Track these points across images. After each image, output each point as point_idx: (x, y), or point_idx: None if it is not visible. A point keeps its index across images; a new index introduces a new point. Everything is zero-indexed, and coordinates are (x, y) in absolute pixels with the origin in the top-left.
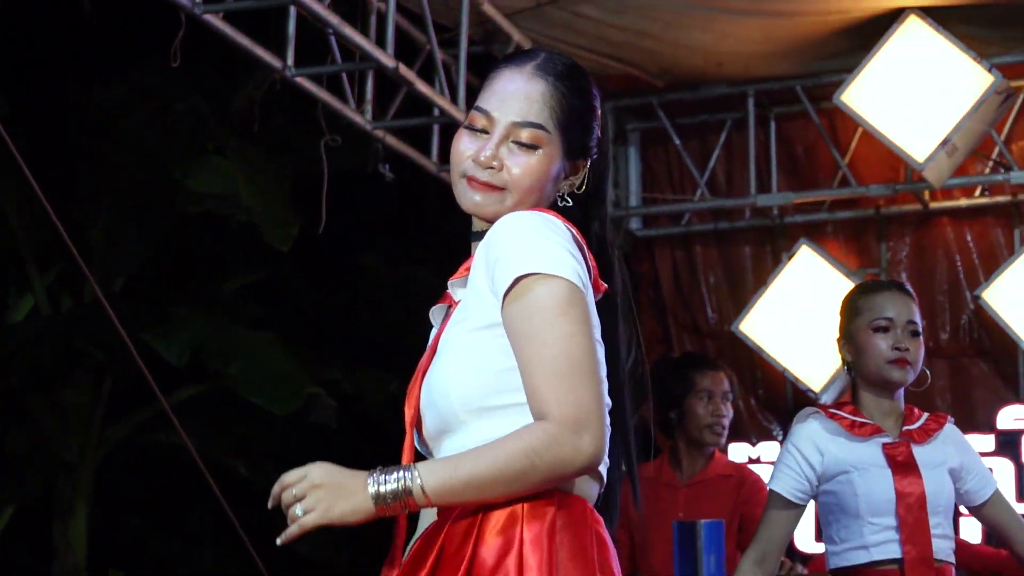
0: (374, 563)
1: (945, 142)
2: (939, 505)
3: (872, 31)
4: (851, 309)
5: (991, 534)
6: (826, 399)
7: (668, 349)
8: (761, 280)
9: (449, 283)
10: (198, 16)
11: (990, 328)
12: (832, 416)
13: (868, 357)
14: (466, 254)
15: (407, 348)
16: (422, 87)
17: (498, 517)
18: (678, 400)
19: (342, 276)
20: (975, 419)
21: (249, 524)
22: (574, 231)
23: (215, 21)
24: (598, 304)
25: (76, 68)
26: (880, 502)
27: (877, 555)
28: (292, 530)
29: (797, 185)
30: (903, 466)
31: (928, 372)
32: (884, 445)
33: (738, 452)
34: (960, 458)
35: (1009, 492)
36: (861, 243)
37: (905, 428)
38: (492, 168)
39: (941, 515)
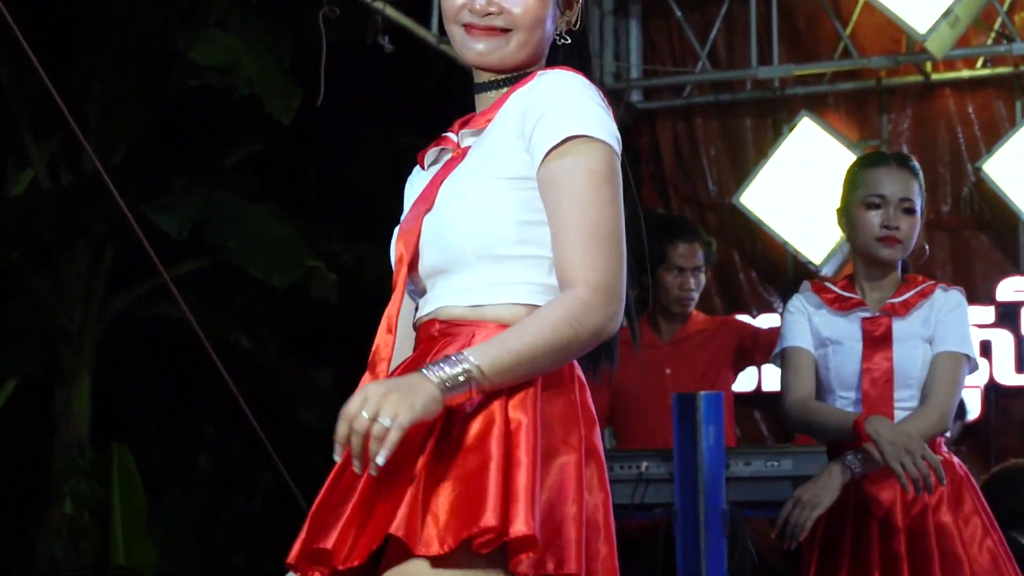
0: None
1: (947, 13)
2: (911, 378)
3: None
4: (850, 182)
5: None
6: (827, 271)
7: None
8: (762, 152)
9: (455, 132)
10: None
11: (991, 200)
12: (818, 290)
13: (858, 233)
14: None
15: None
16: None
17: None
18: (651, 269)
19: (341, 148)
20: (975, 291)
21: (251, 396)
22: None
23: None
24: None
25: None
26: (847, 376)
27: None
28: (392, 436)
29: (798, 57)
30: (878, 340)
31: (926, 246)
32: (863, 319)
33: None
34: (936, 320)
35: (1008, 363)
36: (862, 115)
37: (888, 301)
38: (491, 13)
39: (914, 387)
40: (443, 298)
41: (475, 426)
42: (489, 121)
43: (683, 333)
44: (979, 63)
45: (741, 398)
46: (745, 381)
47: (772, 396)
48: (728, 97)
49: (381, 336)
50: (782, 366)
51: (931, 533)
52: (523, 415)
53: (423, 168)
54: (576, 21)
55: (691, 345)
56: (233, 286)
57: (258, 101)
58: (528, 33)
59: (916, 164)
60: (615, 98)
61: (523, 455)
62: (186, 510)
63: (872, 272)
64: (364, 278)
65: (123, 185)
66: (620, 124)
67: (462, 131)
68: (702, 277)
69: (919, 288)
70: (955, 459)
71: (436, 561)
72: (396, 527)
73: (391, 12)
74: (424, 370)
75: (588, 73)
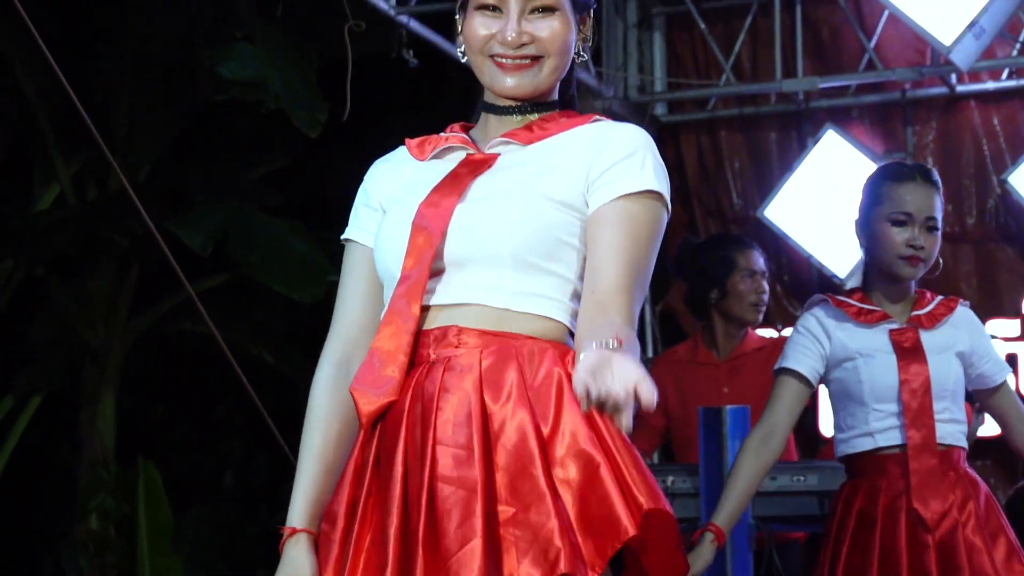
0: None
1: (972, 24)
2: (945, 390)
3: None
4: (872, 194)
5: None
6: (852, 284)
7: (693, 235)
8: (786, 165)
9: (493, 141)
10: None
11: (1016, 213)
12: (839, 304)
13: (881, 249)
14: None
15: None
16: None
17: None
18: (719, 279)
19: (366, 163)
20: (1000, 304)
21: (275, 411)
22: None
23: None
24: None
25: None
26: (884, 388)
27: (882, 441)
28: (646, 394)
29: (823, 69)
30: (909, 352)
31: (941, 261)
32: (891, 331)
33: None
34: (971, 341)
35: None
36: (887, 127)
37: (914, 313)
38: (523, 44)
39: (948, 399)
40: (467, 292)
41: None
42: (533, 140)
43: (740, 351)
44: (1004, 75)
45: None
46: None
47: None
48: (752, 110)
49: (399, 336)
50: (774, 383)
51: (962, 550)
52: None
53: (418, 158)
54: (590, 37)
55: (749, 362)
56: (256, 301)
57: (284, 115)
58: (559, 58)
59: (938, 177)
60: (639, 111)
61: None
62: (211, 525)
63: (889, 287)
64: None
65: (148, 200)
66: None
67: (493, 139)
68: (767, 285)
69: (939, 300)
70: (979, 478)
71: None
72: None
73: (416, 26)
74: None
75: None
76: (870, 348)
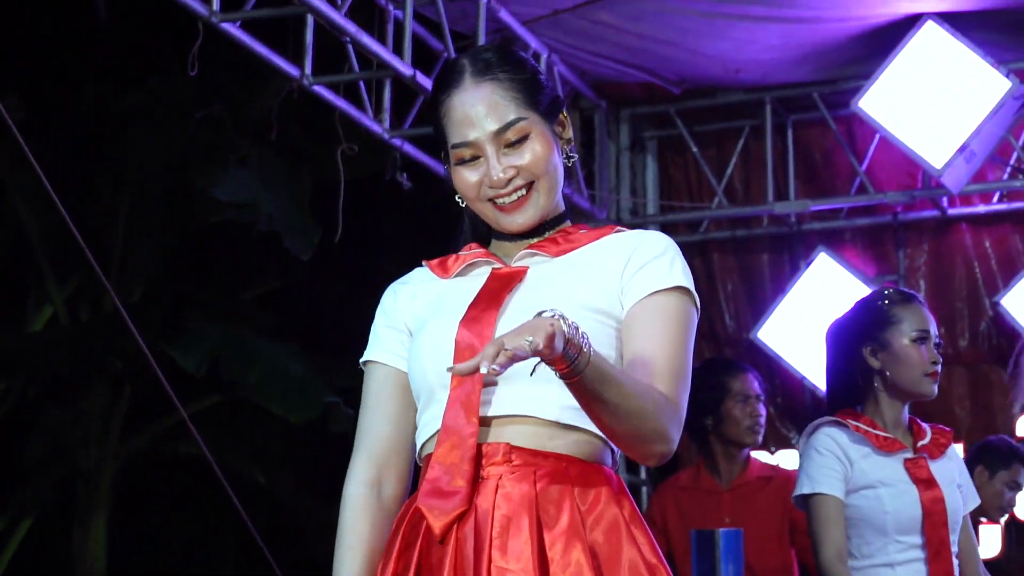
0: None
1: (963, 148)
2: (955, 523)
3: (889, 37)
4: (885, 316)
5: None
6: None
7: None
8: (779, 287)
9: (520, 254)
10: (216, 25)
11: (1009, 335)
12: (859, 429)
13: (907, 368)
14: None
15: None
16: None
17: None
18: (713, 405)
19: (359, 284)
20: (994, 426)
21: (268, 533)
22: None
23: (233, 30)
24: None
25: (93, 75)
26: (907, 520)
27: (902, 573)
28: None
29: (815, 192)
30: (926, 483)
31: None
32: (906, 460)
33: None
34: (960, 474)
35: None
36: (879, 250)
37: (920, 443)
38: (511, 180)
39: (956, 532)
40: (517, 405)
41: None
42: (561, 252)
43: (744, 479)
44: (995, 198)
45: None
46: None
47: None
48: (745, 232)
49: (462, 448)
50: (811, 514)
51: None
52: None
53: (442, 276)
54: (572, 136)
55: (753, 492)
56: (251, 422)
57: (277, 238)
58: (550, 177)
59: None
60: None
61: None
62: None
63: (901, 408)
64: None
65: (142, 321)
66: None
67: (521, 252)
68: (763, 406)
69: (932, 429)
70: None
71: None
72: None
73: (409, 149)
74: (549, 311)
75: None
76: (891, 478)
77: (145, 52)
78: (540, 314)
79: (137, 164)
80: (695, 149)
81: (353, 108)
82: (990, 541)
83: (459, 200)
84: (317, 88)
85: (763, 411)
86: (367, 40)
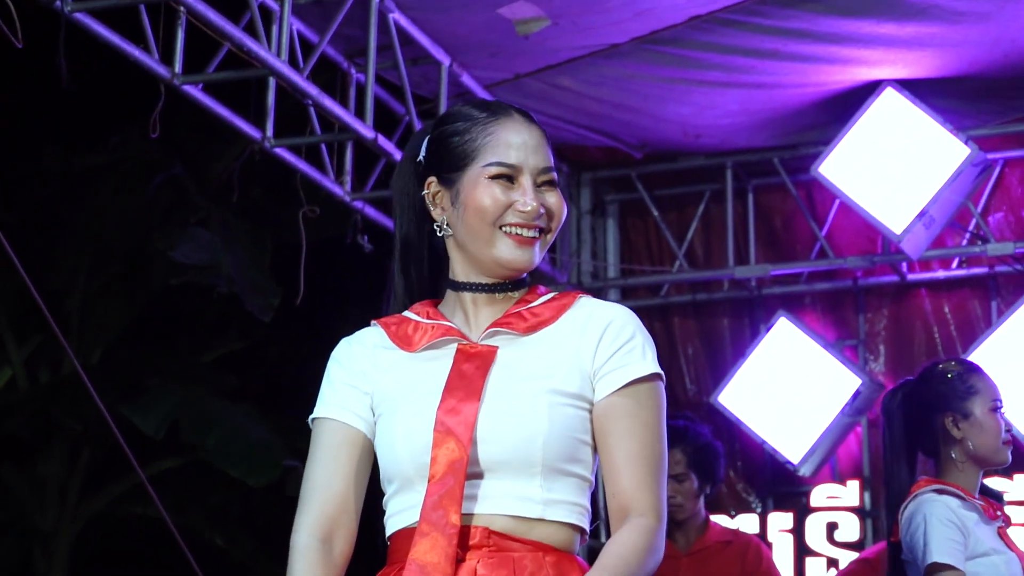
0: None
1: (922, 214)
2: None
3: (849, 103)
4: (966, 386)
5: None
6: (805, 471)
7: None
8: (739, 351)
9: (486, 332)
10: (177, 87)
11: None
12: (971, 498)
13: (990, 437)
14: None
15: None
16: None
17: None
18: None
19: (320, 346)
20: None
21: None
22: None
23: (195, 92)
24: None
25: (54, 136)
26: None
27: None
28: None
29: (775, 257)
30: (1015, 549)
31: None
32: (999, 528)
33: None
34: None
35: None
36: (839, 314)
37: (997, 512)
38: (541, 215)
39: None
40: (500, 503)
41: None
42: (530, 330)
43: (702, 543)
44: (954, 263)
45: None
46: None
47: None
48: (705, 296)
49: (441, 548)
50: None
51: None
52: None
53: (405, 348)
54: None
55: (710, 555)
56: (210, 485)
57: (238, 299)
58: (556, 231)
59: None
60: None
61: None
62: None
63: (977, 478)
64: None
65: (101, 384)
66: None
67: (489, 329)
68: (688, 484)
69: (991, 502)
70: None
71: None
72: None
73: (371, 211)
74: None
75: None
76: (999, 546)
77: (106, 114)
78: None
79: (97, 226)
80: (656, 213)
81: (315, 171)
82: None
83: (439, 227)
84: (279, 150)
85: (683, 490)
86: (329, 103)
